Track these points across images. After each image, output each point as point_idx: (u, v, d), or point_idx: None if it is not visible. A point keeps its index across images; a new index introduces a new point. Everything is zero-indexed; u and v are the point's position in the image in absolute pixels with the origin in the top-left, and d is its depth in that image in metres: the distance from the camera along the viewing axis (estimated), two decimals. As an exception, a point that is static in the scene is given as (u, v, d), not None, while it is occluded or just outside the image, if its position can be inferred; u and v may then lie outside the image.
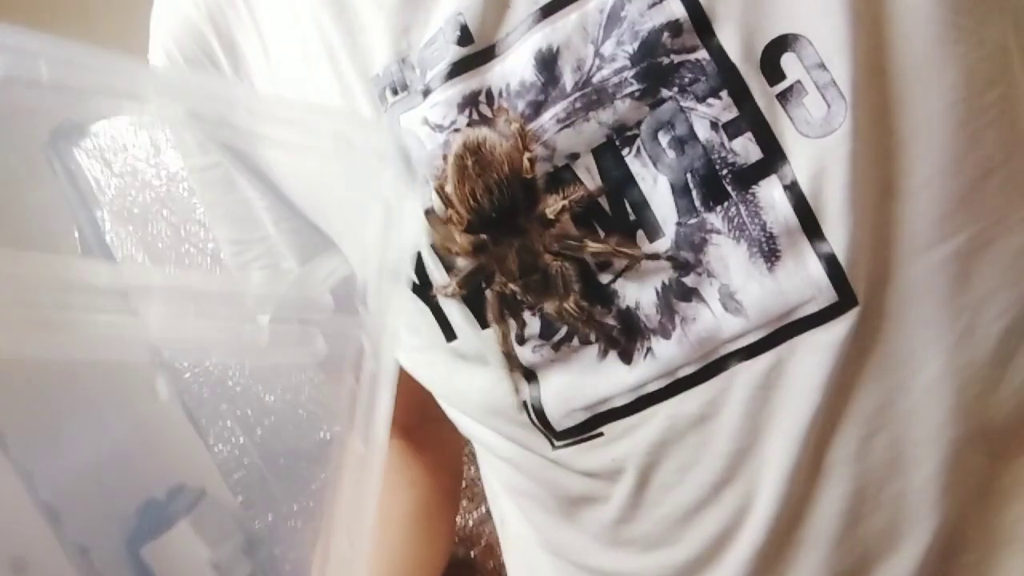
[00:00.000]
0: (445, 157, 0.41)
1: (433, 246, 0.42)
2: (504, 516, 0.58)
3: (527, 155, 0.38)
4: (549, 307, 0.40)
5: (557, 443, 0.44)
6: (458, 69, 0.40)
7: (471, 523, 1.56)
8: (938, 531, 0.40)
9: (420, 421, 0.61)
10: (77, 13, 1.56)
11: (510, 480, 0.51)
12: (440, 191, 0.40)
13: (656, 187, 0.39)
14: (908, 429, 0.40)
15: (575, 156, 0.40)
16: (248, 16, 0.46)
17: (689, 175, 0.38)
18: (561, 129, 0.39)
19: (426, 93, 0.41)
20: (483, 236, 0.40)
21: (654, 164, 0.39)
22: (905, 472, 0.40)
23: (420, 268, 0.44)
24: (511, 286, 0.40)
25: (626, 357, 0.41)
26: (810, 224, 0.37)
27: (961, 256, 0.38)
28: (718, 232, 0.39)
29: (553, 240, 0.39)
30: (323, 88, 0.43)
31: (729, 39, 0.37)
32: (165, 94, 0.33)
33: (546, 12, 0.39)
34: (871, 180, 0.37)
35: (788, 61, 0.37)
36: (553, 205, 0.39)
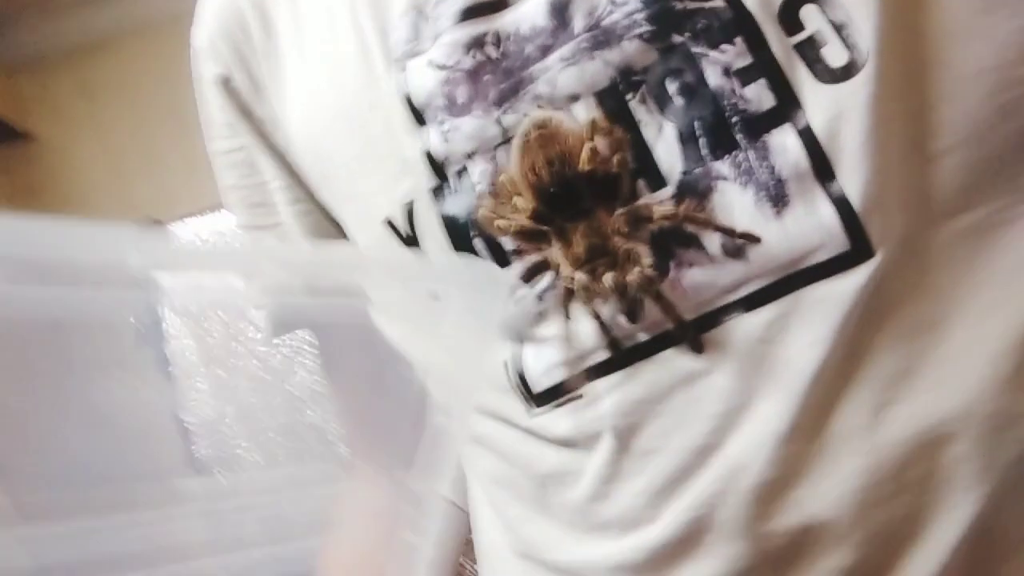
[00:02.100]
0: (449, 96, 0.40)
1: (477, 222, 0.39)
2: (478, 525, 0.52)
3: (588, 144, 0.37)
4: (607, 279, 0.36)
5: (535, 408, 0.40)
6: (469, 14, 0.40)
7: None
8: (974, 523, 0.34)
9: None
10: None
11: (485, 468, 0.46)
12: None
13: (661, 135, 0.37)
14: (933, 402, 0.34)
15: (575, 98, 0.38)
16: None
17: (697, 123, 0.36)
18: (564, 68, 0.38)
19: (436, 39, 0.41)
20: (545, 227, 0.37)
21: (660, 111, 0.37)
22: (932, 451, 0.35)
23: (410, 219, 0.42)
24: (578, 275, 0.36)
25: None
26: (823, 167, 0.35)
27: (985, 228, 0.35)
28: (724, 178, 0.36)
29: (623, 222, 0.37)
30: (342, 43, 0.44)
31: None
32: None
33: None
34: (893, 133, 0.35)
35: (808, 12, 0.35)
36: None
